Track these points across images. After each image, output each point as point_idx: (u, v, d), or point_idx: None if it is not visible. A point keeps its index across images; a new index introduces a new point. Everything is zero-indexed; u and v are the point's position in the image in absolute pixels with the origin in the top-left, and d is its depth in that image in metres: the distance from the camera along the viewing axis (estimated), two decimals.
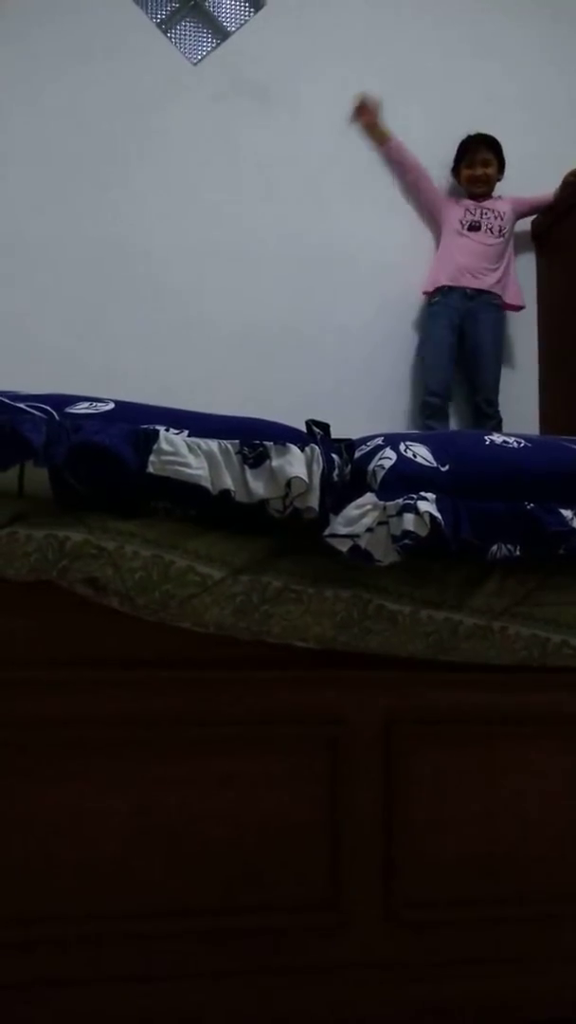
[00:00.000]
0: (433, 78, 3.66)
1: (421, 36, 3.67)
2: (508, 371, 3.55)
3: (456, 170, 3.60)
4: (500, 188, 3.60)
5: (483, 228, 3.49)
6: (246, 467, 1.33)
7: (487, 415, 3.41)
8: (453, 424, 3.51)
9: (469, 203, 3.55)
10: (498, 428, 3.35)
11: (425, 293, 3.53)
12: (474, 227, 3.50)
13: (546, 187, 3.52)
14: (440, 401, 3.41)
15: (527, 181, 3.54)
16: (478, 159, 3.54)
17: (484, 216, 3.50)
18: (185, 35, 3.62)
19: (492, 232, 3.50)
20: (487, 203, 3.55)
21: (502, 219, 3.51)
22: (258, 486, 1.33)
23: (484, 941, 1.43)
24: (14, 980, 1.32)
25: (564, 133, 3.65)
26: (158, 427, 1.32)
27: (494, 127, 3.59)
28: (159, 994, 1.35)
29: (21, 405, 1.31)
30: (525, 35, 3.75)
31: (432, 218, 3.62)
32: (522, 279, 3.68)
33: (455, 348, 3.46)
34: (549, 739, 1.46)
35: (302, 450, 1.35)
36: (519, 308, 3.56)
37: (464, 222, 3.50)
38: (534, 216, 3.65)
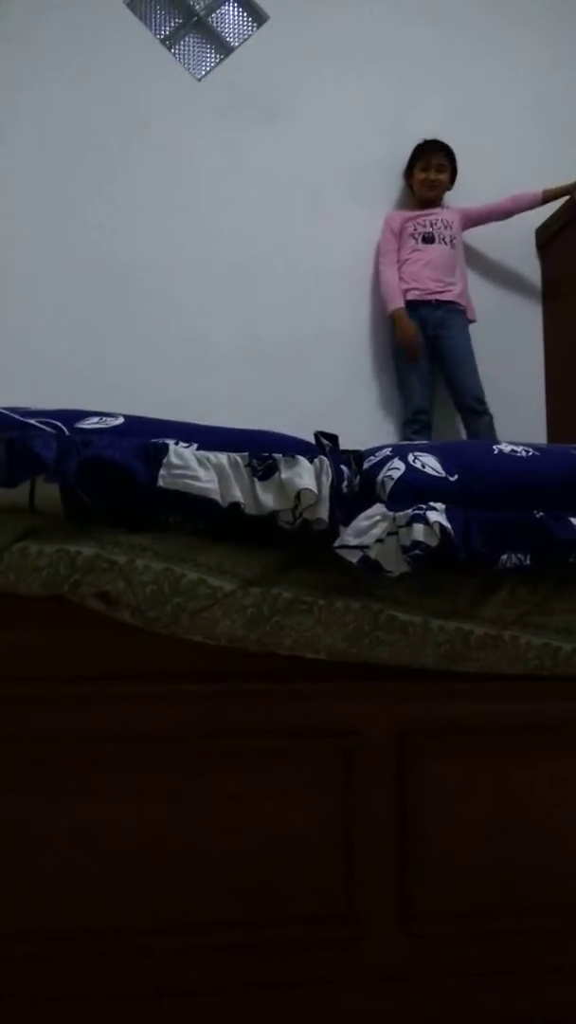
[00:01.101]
0: (437, 88, 3.67)
1: (425, 46, 3.69)
2: (514, 378, 3.55)
3: (409, 173, 3.59)
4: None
5: (436, 239, 3.47)
6: (255, 479, 1.34)
7: (480, 412, 3.42)
8: (445, 429, 3.52)
9: (417, 213, 3.53)
10: (491, 424, 3.39)
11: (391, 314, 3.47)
12: (427, 239, 3.48)
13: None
14: (427, 417, 3.44)
15: (534, 185, 3.54)
16: (433, 163, 3.53)
17: (435, 226, 3.49)
18: (189, 51, 3.65)
19: (445, 242, 3.49)
20: (436, 213, 3.53)
21: (451, 228, 3.51)
22: (268, 498, 1.33)
23: (502, 953, 1.42)
24: (27, 994, 1.32)
25: (571, 137, 3.66)
26: (167, 441, 1.33)
27: (499, 134, 3.60)
28: (174, 1009, 1.34)
29: (32, 421, 1.31)
30: (532, 41, 3.77)
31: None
32: (526, 285, 3.69)
33: (431, 361, 3.46)
34: (563, 748, 1.46)
35: (311, 462, 1.36)
36: (473, 321, 3.55)
37: (416, 235, 3.48)
38: (538, 225, 3.65)
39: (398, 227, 3.53)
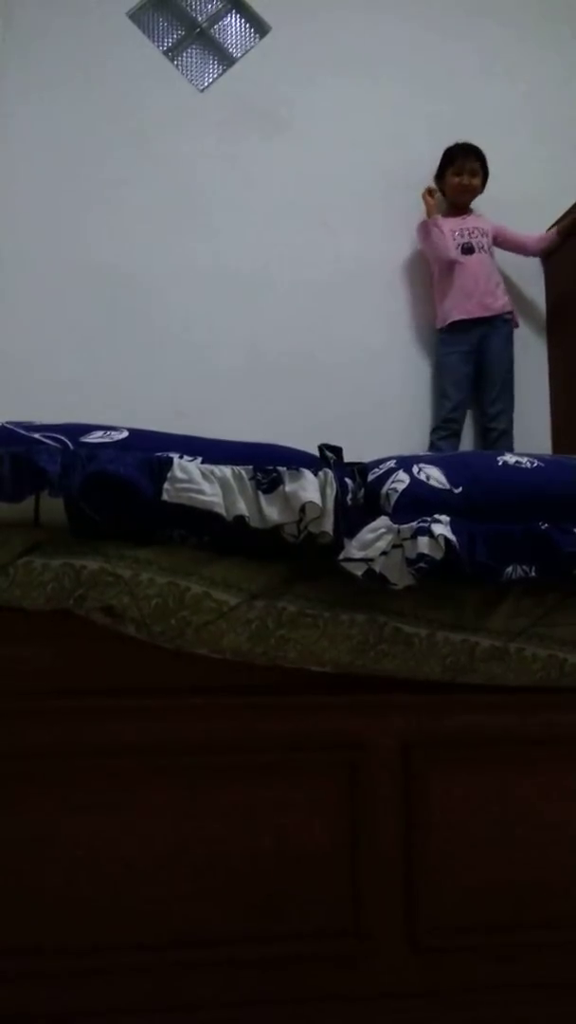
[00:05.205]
0: (440, 99, 3.67)
1: (428, 57, 3.69)
2: (519, 389, 3.54)
3: (441, 177, 3.55)
4: (482, 207, 3.57)
5: (475, 249, 3.42)
6: (260, 493, 1.34)
7: (507, 433, 3.40)
8: (469, 444, 3.51)
9: (453, 222, 3.48)
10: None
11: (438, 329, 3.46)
12: (467, 250, 3.42)
13: (553, 205, 3.51)
14: (458, 425, 3.40)
15: (535, 200, 3.54)
16: (467, 167, 3.48)
17: (472, 235, 3.44)
18: (191, 62, 3.65)
19: (483, 251, 3.44)
20: (470, 221, 3.49)
21: (487, 237, 3.47)
22: (272, 511, 1.34)
23: (510, 968, 1.41)
24: (30, 1011, 1.31)
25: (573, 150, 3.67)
26: (172, 455, 1.33)
27: (503, 145, 3.60)
28: None
29: (36, 435, 1.32)
30: (533, 52, 3.76)
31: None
32: (530, 294, 3.69)
33: (472, 375, 3.42)
34: (570, 760, 1.45)
35: (315, 474, 1.36)
36: (517, 326, 3.53)
37: (456, 246, 3.43)
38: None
39: (431, 230, 3.47)
